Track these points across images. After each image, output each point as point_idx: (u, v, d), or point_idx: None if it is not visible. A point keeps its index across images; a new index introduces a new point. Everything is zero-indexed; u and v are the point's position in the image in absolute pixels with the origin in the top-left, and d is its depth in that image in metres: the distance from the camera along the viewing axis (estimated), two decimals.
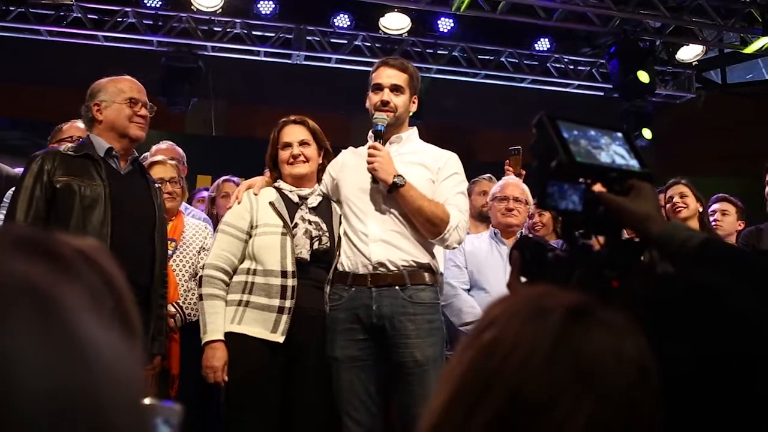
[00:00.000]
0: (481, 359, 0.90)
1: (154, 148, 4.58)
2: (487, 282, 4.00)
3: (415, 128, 3.42)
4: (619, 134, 1.28)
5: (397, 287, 3.10)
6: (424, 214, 3.10)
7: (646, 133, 8.33)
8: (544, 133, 1.16)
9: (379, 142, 3.18)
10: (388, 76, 3.29)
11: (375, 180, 3.14)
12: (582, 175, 1.18)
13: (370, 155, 3.12)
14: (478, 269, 4.04)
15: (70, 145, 3.28)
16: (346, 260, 3.19)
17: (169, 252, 3.58)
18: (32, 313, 0.43)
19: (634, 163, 1.24)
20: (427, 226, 3.12)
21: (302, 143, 3.34)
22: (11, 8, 6.92)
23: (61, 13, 7.26)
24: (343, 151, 3.48)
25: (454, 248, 3.35)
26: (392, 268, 3.11)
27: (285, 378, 3.14)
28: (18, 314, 0.42)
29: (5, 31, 7.20)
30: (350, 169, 3.34)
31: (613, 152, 1.22)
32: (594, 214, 1.18)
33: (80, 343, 0.45)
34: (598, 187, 1.21)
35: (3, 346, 0.40)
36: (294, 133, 3.35)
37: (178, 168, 4.05)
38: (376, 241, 3.13)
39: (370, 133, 3.27)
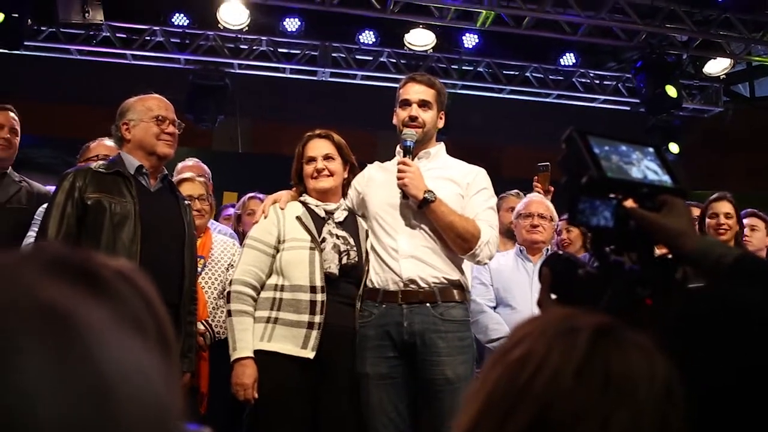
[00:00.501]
0: (509, 376, 0.90)
1: (180, 165, 4.61)
2: (513, 299, 3.98)
3: (442, 144, 3.43)
4: (651, 149, 1.27)
5: (428, 304, 3.10)
6: (455, 229, 3.10)
7: (673, 148, 8.26)
8: (575, 148, 1.16)
9: (409, 158, 3.18)
10: (415, 91, 3.30)
11: (405, 196, 3.14)
12: (613, 191, 1.17)
13: (400, 171, 3.12)
14: (504, 286, 4.02)
15: (101, 162, 3.33)
16: (376, 277, 3.19)
17: (198, 269, 3.60)
18: (48, 339, 0.40)
19: (666, 178, 1.23)
20: (458, 242, 3.12)
21: (326, 157, 3.33)
22: (42, 28, 7.04)
23: (91, 33, 7.37)
24: (368, 165, 3.49)
25: (485, 264, 3.35)
26: (423, 285, 3.11)
27: (314, 394, 3.14)
28: (32, 342, 0.39)
29: (36, 50, 7.33)
30: (378, 184, 3.34)
31: (645, 167, 1.21)
32: (625, 230, 1.16)
33: (101, 371, 0.42)
34: (629, 203, 1.19)
35: (14, 380, 0.37)
36: (318, 147, 3.35)
37: (207, 185, 4.08)
38: (406, 258, 3.13)
39: (399, 149, 3.28)
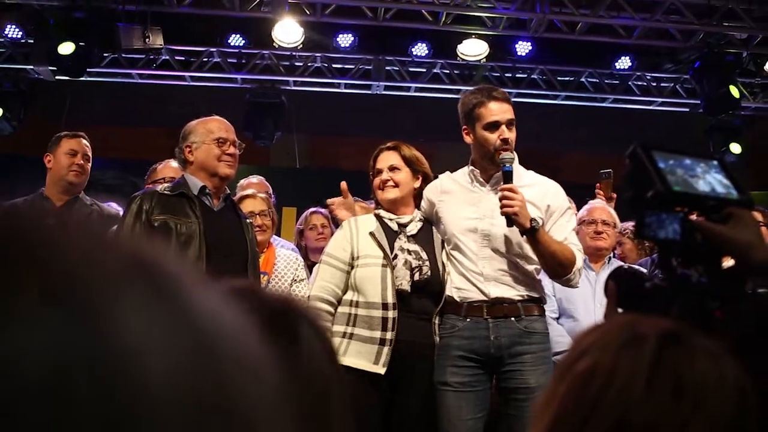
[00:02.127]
0: (578, 389, 0.91)
1: (243, 182, 4.72)
2: (576, 310, 3.94)
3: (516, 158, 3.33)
4: (715, 162, 1.27)
5: (512, 318, 3.13)
6: (556, 258, 3.09)
7: (735, 148, 8.08)
8: (639, 163, 1.16)
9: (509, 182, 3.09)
10: (504, 111, 3.22)
11: (509, 223, 3.05)
12: (679, 204, 1.17)
13: (506, 197, 3.02)
14: (566, 297, 3.98)
15: (167, 185, 3.43)
16: (458, 292, 3.21)
17: (262, 285, 3.68)
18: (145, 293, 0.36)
19: (732, 190, 1.23)
20: (557, 270, 3.14)
21: (392, 168, 3.35)
22: (105, 54, 7.27)
23: (151, 57, 7.58)
24: (440, 176, 3.48)
25: (576, 287, 3.34)
26: (508, 302, 3.15)
27: (386, 409, 3.18)
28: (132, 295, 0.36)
29: (100, 76, 7.57)
30: (454, 201, 3.32)
31: (710, 180, 1.22)
32: (693, 243, 1.17)
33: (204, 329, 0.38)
34: (695, 216, 1.20)
35: (122, 338, 0.34)
36: (385, 159, 3.38)
37: (268, 200, 4.16)
38: (490, 281, 3.16)
39: (469, 168, 3.29)
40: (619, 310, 1.22)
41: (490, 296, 3.14)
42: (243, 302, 0.49)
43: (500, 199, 3.03)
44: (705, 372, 0.87)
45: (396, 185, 3.35)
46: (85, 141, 4.22)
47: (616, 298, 1.22)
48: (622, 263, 4.35)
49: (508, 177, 3.09)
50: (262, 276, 3.69)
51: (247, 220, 3.51)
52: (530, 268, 3.22)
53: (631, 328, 0.92)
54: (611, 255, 4.24)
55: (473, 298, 3.17)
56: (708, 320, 1.09)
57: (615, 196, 4.62)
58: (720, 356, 0.89)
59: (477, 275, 3.18)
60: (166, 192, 3.27)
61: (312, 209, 4.88)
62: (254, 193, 4.15)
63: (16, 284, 0.33)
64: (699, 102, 7.72)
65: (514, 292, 3.16)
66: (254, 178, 4.78)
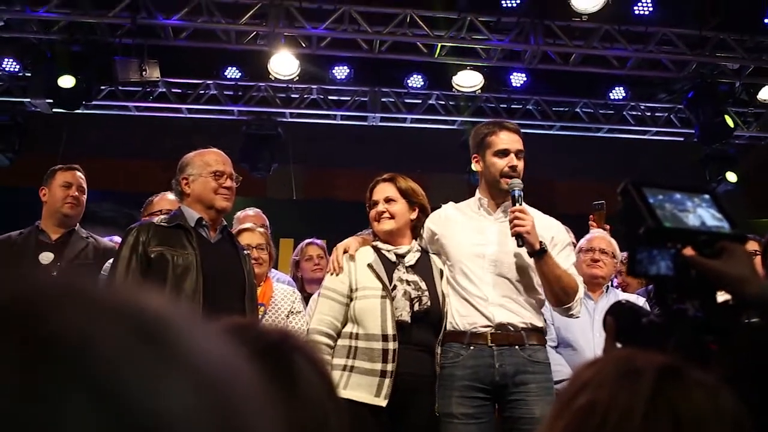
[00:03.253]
0: (577, 425, 0.90)
1: (240, 214, 4.71)
2: (575, 339, 3.93)
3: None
4: (707, 196, 1.27)
5: (517, 347, 3.13)
6: (561, 282, 3.12)
7: (731, 177, 8.12)
8: (630, 200, 1.17)
9: (519, 205, 3.15)
10: (515, 141, 3.33)
11: (519, 243, 3.09)
12: (671, 240, 1.18)
13: (517, 218, 3.07)
14: (564, 326, 3.96)
15: (163, 216, 3.44)
16: (461, 319, 3.20)
17: (259, 316, 3.66)
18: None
19: (723, 224, 1.23)
20: (560, 295, 3.15)
21: (387, 200, 3.36)
22: (102, 87, 7.32)
23: (148, 90, 7.63)
24: (444, 206, 3.50)
25: (577, 317, 3.34)
26: (512, 329, 3.15)
27: None
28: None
29: (96, 108, 7.60)
30: (459, 228, 3.36)
31: (702, 214, 1.22)
32: (687, 278, 1.17)
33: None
34: (688, 251, 1.20)
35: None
36: (381, 191, 3.40)
37: (267, 235, 4.16)
38: (495, 306, 3.17)
39: (478, 196, 3.35)
40: (618, 344, 1.22)
41: (494, 320, 3.14)
42: (239, 338, 0.49)
43: (511, 220, 3.08)
44: (702, 405, 0.87)
45: (392, 217, 3.35)
46: (79, 173, 4.22)
47: (615, 332, 1.22)
48: (621, 292, 4.35)
49: (515, 201, 3.17)
50: (259, 307, 3.68)
51: (245, 252, 3.50)
52: (534, 297, 3.24)
53: (628, 363, 0.92)
54: (609, 284, 4.23)
55: (477, 323, 3.16)
56: (704, 353, 1.09)
57: (609, 227, 4.62)
58: (717, 389, 0.89)
59: (481, 300, 3.18)
60: (162, 224, 3.27)
61: (308, 240, 4.88)
62: (252, 227, 4.15)
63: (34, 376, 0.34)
64: (693, 131, 7.77)
65: (518, 318, 3.16)
66: (251, 211, 4.78)
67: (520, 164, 3.29)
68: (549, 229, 3.26)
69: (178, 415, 0.36)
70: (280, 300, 3.97)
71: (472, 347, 3.15)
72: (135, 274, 3.13)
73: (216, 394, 0.39)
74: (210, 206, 3.31)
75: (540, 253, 3.06)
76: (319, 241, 4.82)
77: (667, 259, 1.16)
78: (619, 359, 0.95)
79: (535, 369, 3.12)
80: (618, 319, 1.22)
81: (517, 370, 3.10)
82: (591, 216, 4.78)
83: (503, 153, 3.28)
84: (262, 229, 4.16)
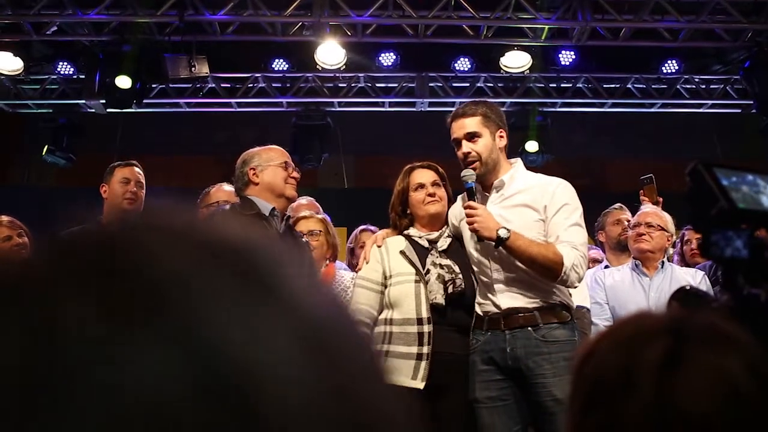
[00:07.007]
0: (586, 392, 0.94)
1: (294, 204, 4.75)
2: None
3: (518, 162, 3.35)
4: None
5: (529, 328, 3.08)
6: (536, 262, 3.03)
7: None
8: (701, 181, 1.15)
9: (475, 200, 3.13)
10: (459, 127, 3.26)
11: (479, 239, 3.09)
12: (745, 222, 1.15)
13: (467, 215, 3.07)
14: (619, 304, 3.92)
15: (238, 203, 3.47)
16: (478, 306, 3.22)
17: None
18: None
19: None
20: (543, 272, 3.05)
21: (434, 184, 3.40)
22: (153, 85, 7.46)
23: (197, 85, 7.74)
24: (459, 197, 3.48)
25: (576, 287, 3.20)
26: (522, 312, 3.10)
27: (428, 423, 3.15)
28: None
29: (149, 106, 7.74)
30: (463, 220, 3.34)
31: None
32: (760, 261, 1.14)
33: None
34: (762, 233, 1.17)
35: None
36: (425, 176, 3.42)
37: (325, 222, 4.21)
38: (502, 293, 3.14)
39: (496, 184, 3.25)
40: None
41: (501, 308, 3.11)
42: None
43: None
44: (727, 366, 0.88)
45: (440, 200, 3.38)
46: (137, 169, 4.32)
47: None
48: (678, 268, 4.27)
49: (469, 195, 3.13)
50: None
51: (304, 239, 3.57)
52: None
53: (638, 324, 0.95)
54: (665, 259, 4.16)
55: (491, 311, 3.15)
56: None
57: (661, 199, 4.55)
58: (727, 349, 0.88)
59: (491, 287, 3.16)
60: (244, 212, 3.28)
61: (362, 227, 4.91)
62: (311, 214, 4.21)
63: (113, 306, 0.31)
64: (751, 102, 7.55)
65: (526, 300, 3.10)
66: (304, 200, 4.82)
67: (477, 147, 3.20)
68: (542, 198, 3.15)
69: (274, 368, 0.32)
70: (341, 285, 4.00)
71: (489, 333, 3.14)
72: None
73: (321, 349, 0.34)
74: (280, 195, 3.34)
75: (499, 243, 2.99)
76: (373, 228, 4.83)
77: (741, 241, 1.13)
78: (628, 322, 0.96)
79: (551, 348, 3.03)
80: (683, 305, 1.19)
81: (527, 352, 3.04)
82: (641, 191, 4.71)
83: (456, 143, 3.26)
84: (320, 216, 4.22)
